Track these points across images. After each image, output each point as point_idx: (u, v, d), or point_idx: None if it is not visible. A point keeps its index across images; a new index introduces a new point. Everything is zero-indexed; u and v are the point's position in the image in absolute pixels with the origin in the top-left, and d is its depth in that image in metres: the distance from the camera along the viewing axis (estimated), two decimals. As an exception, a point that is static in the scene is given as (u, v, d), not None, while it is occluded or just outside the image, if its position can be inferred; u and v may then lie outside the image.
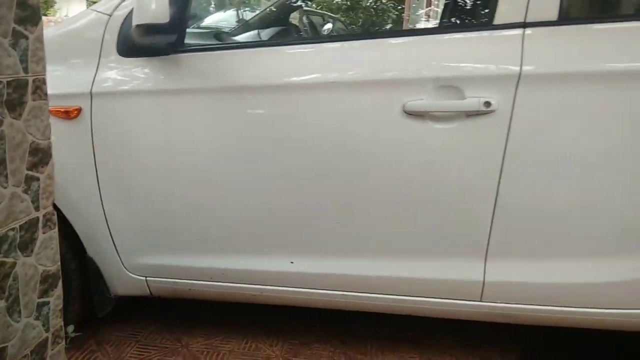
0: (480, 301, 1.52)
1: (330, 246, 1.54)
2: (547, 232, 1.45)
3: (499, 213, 1.43)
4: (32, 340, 1.08)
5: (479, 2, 1.74)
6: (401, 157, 1.42)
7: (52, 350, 1.15)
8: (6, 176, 0.94)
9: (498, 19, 1.37)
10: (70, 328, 1.64)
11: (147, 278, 1.69)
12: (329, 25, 3.25)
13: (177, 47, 1.46)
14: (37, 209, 1.03)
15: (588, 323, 1.53)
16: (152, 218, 1.61)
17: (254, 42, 1.78)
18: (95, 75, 1.51)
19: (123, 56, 1.51)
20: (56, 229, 1.10)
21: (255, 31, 2.30)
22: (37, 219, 1.04)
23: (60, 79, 1.51)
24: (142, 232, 1.63)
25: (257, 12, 3.03)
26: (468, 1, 1.81)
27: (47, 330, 1.13)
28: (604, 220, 1.41)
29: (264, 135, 1.47)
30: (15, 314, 1.02)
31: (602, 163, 1.36)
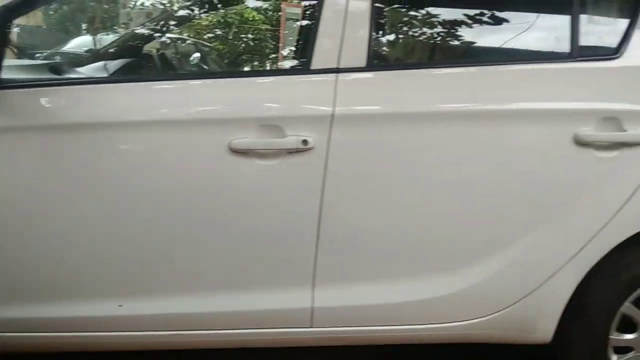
0: (311, 327, 1.60)
1: (159, 286, 1.53)
2: (369, 258, 1.59)
3: (322, 243, 1.53)
4: None
5: (300, 49, 1.88)
6: (228, 192, 1.48)
7: None
8: None
9: (315, 65, 1.50)
10: None
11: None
12: (196, 55, 3.23)
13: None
14: None
15: (418, 338, 1.68)
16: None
17: (72, 78, 1.72)
18: None
19: None
20: None
21: (102, 63, 2.23)
22: None
23: None
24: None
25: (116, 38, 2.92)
26: (293, 47, 1.96)
27: None
28: (420, 243, 1.59)
29: (84, 176, 1.43)
30: None
31: (412, 191, 1.55)
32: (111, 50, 2.39)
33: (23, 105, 1.42)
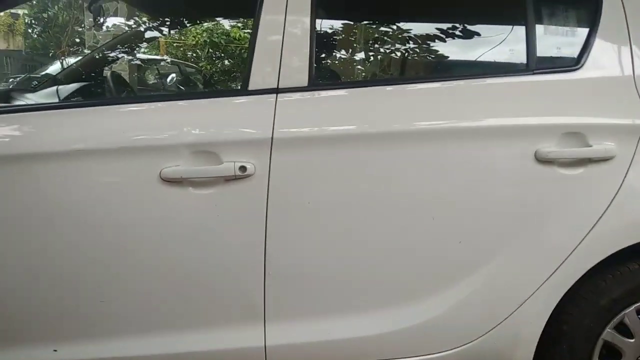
0: (265, 366, 1.48)
1: (95, 329, 1.41)
2: (321, 291, 1.47)
3: (270, 275, 1.41)
4: None
5: (235, 69, 1.78)
6: (161, 225, 1.36)
7: None
8: None
9: (252, 85, 1.40)
10: None
11: None
12: (171, 76, 3.16)
13: None
14: None
15: None
16: None
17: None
18: None
19: None
20: None
21: (55, 88, 2.15)
22: None
23: None
24: None
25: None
26: (232, 68, 1.87)
27: None
28: (373, 272, 1.47)
29: (17, 212, 1.33)
30: None
31: (362, 218, 1.43)
32: (65, 74, 2.31)
33: None
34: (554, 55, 1.60)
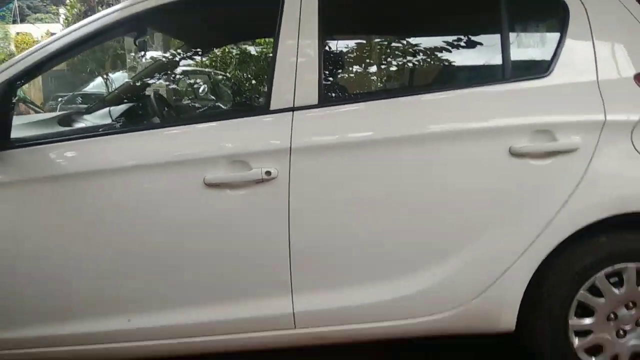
0: (295, 329, 1.83)
1: (159, 303, 1.79)
2: (337, 267, 1.81)
3: (294, 257, 1.76)
4: None
5: (261, 91, 2.13)
6: (206, 220, 1.73)
7: None
8: None
9: (273, 105, 1.75)
10: None
11: (-2, 352, 1.83)
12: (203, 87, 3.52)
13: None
14: None
15: (392, 334, 1.89)
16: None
17: (73, 133, 1.99)
18: None
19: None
20: None
21: (107, 109, 2.54)
22: None
23: None
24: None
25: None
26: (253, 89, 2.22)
27: None
28: (381, 251, 1.80)
29: (89, 215, 1.72)
30: None
31: (368, 207, 1.77)
32: (114, 96, 2.71)
33: (31, 159, 1.72)
34: (526, 64, 1.89)
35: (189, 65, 2.89)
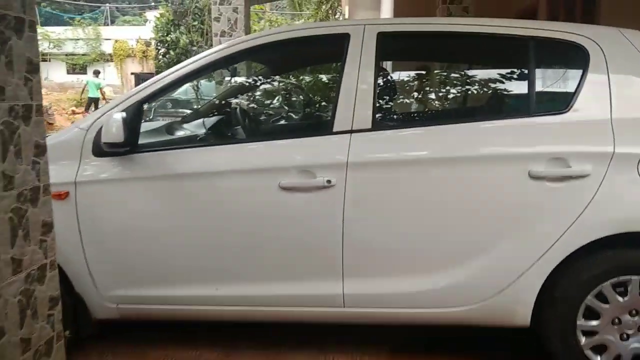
0: (344, 307, 2.28)
1: (241, 278, 2.30)
2: (382, 259, 2.23)
3: (346, 249, 2.21)
4: (45, 336, 1.80)
5: (327, 115, 2.59)
6: (279, 217, 2.22)
7: (56, 344, 1.86)
8: (21, 158, 1.65)
9: (336, 128, 2.21)
10: (67, 332, 2.31)
11: (118, 305, 2.40)
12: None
13: (131, 152, 2.25)
14: (39, 180, 1.72)
15: (425, 320, 2.29)
16: (119, 264, 2.34)
17: (179, 143, 2.54)
18: (78, 169, 2.29)
19: (96, 156, 2.29)
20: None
21: (201, 120, 3.11)
22: (39, 187, 1.71)
23: (55, 174, 2.27)
24: (112, 274, 2.35)
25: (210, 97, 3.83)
26: (323, 113, 2.69)
27: (53, 331, 1.84)
28: (418, 250, 2.21)
29: (192, 206, 2.26)
30: (35, 319, 1.74)
31: (408, 213, 2.18)
32: (205, 109, 3.28)
33: (150, 162, 2.29)
34: (549, 102, 2.23)
35: (271, 86, 3.42)
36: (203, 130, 2.88)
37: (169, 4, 16.95)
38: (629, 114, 2.13)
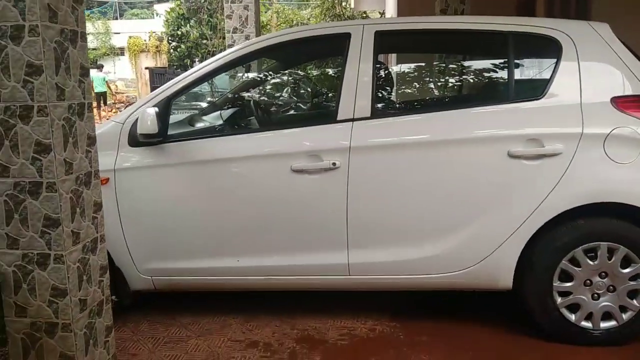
0: (349, 275, 2.61)
1: (259, 250, 2.63)
2: (381, 232, 2.55)
3: (350, 223, 2.53)
4: (97, 298, 2.15)
5: (331, 105, 2.88)
6: (291, 196, 2.54)
7: (105, 306, 2.21)
8: (78, 148, 2.02)
9: (340, 117, 2.52)
10: (114, 297, 2.65)
11: (152, 277, 2.75)
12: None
13: (162, 141, 2.58)
14: (91, 167, 2.08)
15: (421, 285, 2.60)
16: (153, 240, 2.68)
17: (202, 133, 2.87)
18: (116, 158, 2.63)
19: (131, 146, 2.63)
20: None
21: (218, 112, 3.43)
22: (91, 172, 2.01)
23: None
24: (147, 250, 2.69)
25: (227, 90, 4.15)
26: (328, 103, 3.02)
27: (103, 294, 2.19)
28: (413, 222, 2.52)
29: (215, 188, 2.59)
30: (90, 284, 2.09)
31: (404, 191, 2.49)
32: (221, 102, 3.61)
33: (179, 150, 2.62)
34: (526, 89, 2.53)
35: (282, 80, 3.75)
36: (222, 121, 3.20)
37: (182, 1, 17.33)
38: (596, 98, 2.42)
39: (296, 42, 2.75)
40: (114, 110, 14.88)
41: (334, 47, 2.91)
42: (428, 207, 2.50)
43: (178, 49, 15.71)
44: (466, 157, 2.45)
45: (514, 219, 2.44)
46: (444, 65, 3.12)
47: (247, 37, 5.45)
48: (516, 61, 2.55)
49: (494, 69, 2.72)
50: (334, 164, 2.47)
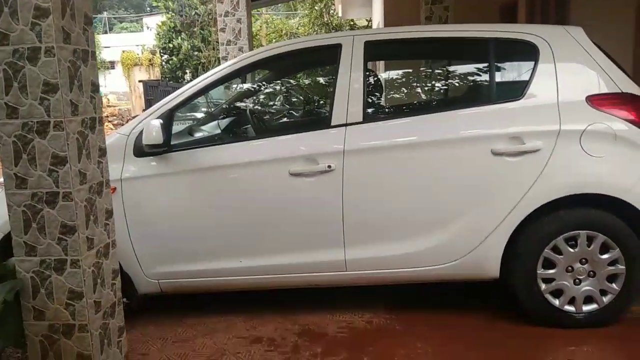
0: (346, 271, 2.76)
1: (261, 251, 2.78)
2: (376, 229, 2.70)
3: (346, 222, 2.69)
4: (110, 300, 2.28)
5: (325, 112, 3.06)
6: (289, 198, 2.69)
7: (118, 307, 2.35)
8: (91, 159, 2.16)
9: (333, 122, 2.69)
10: (124, 299, 2.77)
11: (159, 281, 2.89)
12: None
13: (167, 151, 2.73)
14: (102, 176, 2.18)
15: (414, 278, 2.75)
16: (159, 245, 2.82)
17: (204, 142, 2.99)
18: (122, 168, 2.77)
19: (137, 157, 2.77)
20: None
21: (216, 122, 3.58)
22: (103, 182, 2.17)
23: None
24: (154, 254, 2.82)
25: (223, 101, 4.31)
26: (322, 110, 3.19)
27: (115, 297, 2.33)
28: (405, 219, 2.68)
29: (218, 193, 2.74)
30: (103, 287, 2.23)
31: (396, 189, 2.65)
32: (219, 112, 3.77)
33: (182, 159, 2.76)
34: (507, 91, 2.71)
35: (278, 89, 3.92)
36: (222, 130, 3.36)
37: (172, 13, 17.56)
38: (572, 97, 2.60)
39: (292, 54, 2.91)
40: (105, 124, 14.98)
41: (326, 57, 3.09)
42: (419, 203, 2.66)
43: (170, 62, 15.92)
44: (453, 156, 2.62)
45: (499, 212, 2.60)
46: (430, 70, 3.33)
47: (240, 49, 5.64)
48: (497, 65, 2.74)
49: (477, 72, 2.90)
50: (329, 166, 2.63)
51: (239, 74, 3.05)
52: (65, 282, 2.09)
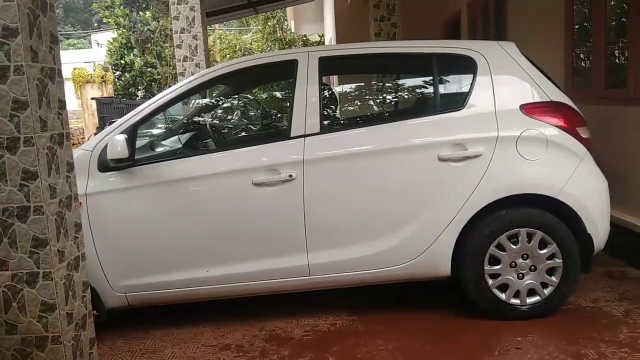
0: (310, 275, 2.90)
1: (226, 260, 2.88)
2: (335, 234, 2.87)
3: (308, 228, 2.84)
4: (81, 312, 2.33)
5: (284, 124, 3.23)
6: (253, 207, 2.83)
7: (89, 319, 2.39)
8: (59, 174, 2.22)
9: (293, 134, 2.85)
10: (95, 312, 2.79)
11: (126, 294, 2.93)
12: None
13: (130, 166, 2.81)
14: (71, 190, 2.22)
15: (373, 279, 2.92)
16: (125, 258, 2.87)
17: (168, 155, 3.12)
18: (87, 183, 2.82)
19: (101, 172, 2.84)
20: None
21: (177, 137, 3.67)
22: (71, 195, 2.21)
23: None
24: (120, 267, 2.87)
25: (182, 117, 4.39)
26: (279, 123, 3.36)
27: (86, 309, 2.37)
28: (361, 223, 2.86)
29: (183, 205, 2.84)
30: (75, 299, 2.28)
31: (351, 196, 2.83)
32: (179, 126, 3.86)
33: (147, 172, 2.84)
34: (449, 102, 2.96)
35: (240, 104, 4.07)
36: (184, 144, 3.45)
37: (124, 30, 17.36)
38: (507, 106, 2.88)
39: (251, 69, 3.07)
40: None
41: (283, 72, 3.26)
42: (374, 208, 2.85)
43: (122, 78, 15.68)
44: (404, 163, 2.83)
45: (447, 214, 2.82)
46: (380, 84, 3.59)
47: (197, 65, 5.74)
48: (440, 78, 2.99)
49: (423, 85, 3.15)
50: (290, 175, 2.78)
51: (199, 89, 3.18)
52: (38, 294, 2.13)
